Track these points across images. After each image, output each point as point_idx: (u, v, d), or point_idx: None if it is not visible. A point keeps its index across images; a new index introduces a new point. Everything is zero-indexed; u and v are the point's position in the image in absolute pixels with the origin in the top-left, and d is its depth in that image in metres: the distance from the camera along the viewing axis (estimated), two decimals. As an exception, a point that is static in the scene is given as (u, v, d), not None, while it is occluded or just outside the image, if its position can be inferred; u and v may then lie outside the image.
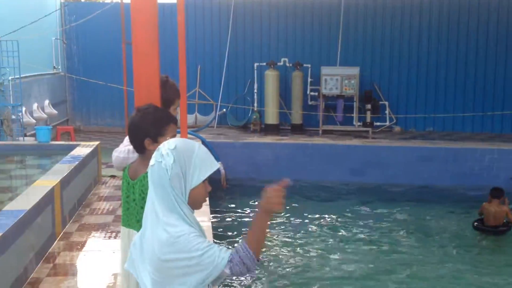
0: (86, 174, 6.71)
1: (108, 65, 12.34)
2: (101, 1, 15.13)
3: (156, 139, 2.49)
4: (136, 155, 2.64)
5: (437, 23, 12.04)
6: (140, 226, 2.54)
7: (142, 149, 2.54)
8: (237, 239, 7.13)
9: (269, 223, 1.85)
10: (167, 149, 1.93)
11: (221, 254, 1.86)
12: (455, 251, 6.98)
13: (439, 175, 9.43)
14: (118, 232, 5.37)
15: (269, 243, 7.04)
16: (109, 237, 5.33)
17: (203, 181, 1.93)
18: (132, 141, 2.59)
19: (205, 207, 5.37)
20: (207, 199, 2.02)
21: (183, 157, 1.91)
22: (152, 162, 1.95)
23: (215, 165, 1.96)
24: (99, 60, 12.53)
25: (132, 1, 2.56)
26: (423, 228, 7.84)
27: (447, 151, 9.57)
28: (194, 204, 1.96)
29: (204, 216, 4.93)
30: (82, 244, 5.12)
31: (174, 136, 2.53)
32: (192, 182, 1.91)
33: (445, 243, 7.24)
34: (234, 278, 5.88)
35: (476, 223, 7.56)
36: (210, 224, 5.19)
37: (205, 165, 1.92)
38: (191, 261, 1.84)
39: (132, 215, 2.63)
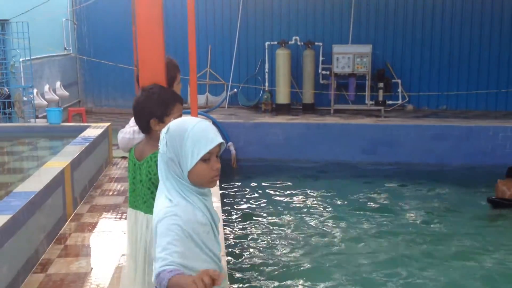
0: (97, 155, 6.73)
1: (119, 46, 12.29)
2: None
3: (162, 119, 2.47)
4: (141, 135, 2.63)
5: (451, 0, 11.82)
6: (147, 207, 2.55)
7: (148, 130, 2.52)
8: (246, 221, 7.14)
9: None
10: (163, 133, 1.93)
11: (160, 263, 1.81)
12: (471, 228, 6.97)
13: (452, 153, 9.35)
14: (129, 213, 5.41)
15: (278, 221, 7.06)
16: (120, 218, 5.36)
17: (204, 160, 1.88)
18: (137, 122, 2.57)
19: (215, 188, 5.36)
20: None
21: (174, 139, 1.88)
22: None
23: (212, 143, 1.88)
24: (110, 40, 12.49)
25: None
26: (438, 205, 7.83)
27: (460, 129, 9.47)
28: (200, 184, 1.93)
29: (214, 197, 4.92)
30: (93, 225, 5.15)
31: (180, 115, 2.51)
32: (188, 164, 1.87)
33: (460, 220, 7.24)
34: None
35: (491, 197, 7.68)
36: (219, 204, 5.20)
37: (199, 144, 1.86)
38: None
39: (138, 197, 2.62)
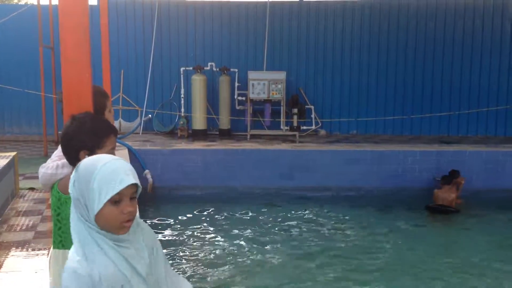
0: (2, 188, 6.22)
1: (24, 70, 11.69)
2: (15, 3, 14.30)
3: (94, 152, 2.26)
4: (65, 171, 2.41)
5: (359, 29, 12.37)
6: None
7: (76, 162, 2.32)
8: (168, 251, 6.90)
9: None
10: (74, 171, 1.76)
11: None
12: (389, 246, 7.21)
13: (366, 177, 9.64)
14: (40, 249, 5.01)
15: (199, 249, 6.88)
16: (30, 256, 4.94)
17: (114, 202, 1.70)
18: (65, 153, 2.34)
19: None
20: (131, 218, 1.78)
21: (81, 179, 1.72)
22: None
23: (121, 184, 1.70)
24: (14, 65, 11.81)
25: (60, 4, 2.32)
26: (357, 226, 8.00)
27: (372, 153, 9.81)
28: (109, 229, 1.73)
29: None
30: (0, 265, 4.70)
31: (113, 148, 2.32)
32: (94, 207, 1.70)
33: (381, 239, 7.47)
34: None
35: (429, 205, 8.71)
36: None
37: (107, 185, 1.69)
38: None
39: (65, 234, 2.38)
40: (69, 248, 2.34)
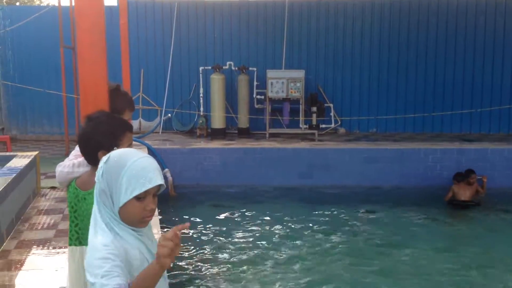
0: (24, 187, 6.32)
1: (45, 71, 11.86)
2: (37, 5, 14.50)
3: (111, 150, 2.29)
4: (81, 170, 2.44)
5: (378, 28, 12.27)
6: None
7: (95, 161, 2.34)
8: (188, 247, 6.94)
9: (160, 273, 1.69)
10: (102, 161, 1.82)
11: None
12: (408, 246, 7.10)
13: (385, 175, 9.55)
14: (61, 247, 5.08)
15: (221, 247, 6.90)
16: (51, 254, 5.01)
17: (138, 198, 1.76)
18: (83, 153, 2.38)
19: (155, 218, 5.14)
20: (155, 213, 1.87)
21: (110, 172, 1.77)
22: None
23: (150, 183, 1.77)
24: (36, 65, 12.00)
25: (76, 5, 2.34)
26: (377, 224, 7.91)
27: (392, 152, 9.71)
28: (130, 222, 1.81)
29: (154, 228, 4.70)
30: (22, 263, 4.78)
31: (130, 144, 2.36)
32: (119, 200, 1.76)
33: (402, 238, 7.38)
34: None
35: (449, 200, 8.79)
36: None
37: (134, 182, 1.75)
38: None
39: (82, 230, 2.40)
40: (86, 244, 2.37)
